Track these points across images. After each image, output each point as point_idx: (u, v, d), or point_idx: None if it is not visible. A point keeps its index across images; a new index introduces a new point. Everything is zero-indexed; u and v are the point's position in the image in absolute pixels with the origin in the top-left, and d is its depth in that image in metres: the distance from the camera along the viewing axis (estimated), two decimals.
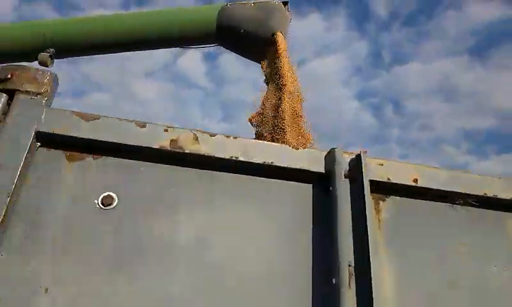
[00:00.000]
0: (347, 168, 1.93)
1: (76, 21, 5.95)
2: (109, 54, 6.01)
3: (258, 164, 1.86)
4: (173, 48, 5.78)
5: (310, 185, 1.93)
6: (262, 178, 1.89)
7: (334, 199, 1.82)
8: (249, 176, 1.88)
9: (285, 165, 1.89)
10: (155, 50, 6.01)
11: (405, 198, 1.99)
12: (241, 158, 1.85)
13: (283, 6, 5.48)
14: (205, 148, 1.82)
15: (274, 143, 2.01)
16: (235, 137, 1.95)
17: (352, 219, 1.80)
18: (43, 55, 5.47)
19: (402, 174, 1.97)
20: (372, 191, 1.85)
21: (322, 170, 1.92)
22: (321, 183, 1.92)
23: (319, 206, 1.88)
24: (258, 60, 5.20)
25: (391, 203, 1.99)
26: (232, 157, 1.84)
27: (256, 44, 5.03)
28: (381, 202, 2.00)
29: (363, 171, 1.87)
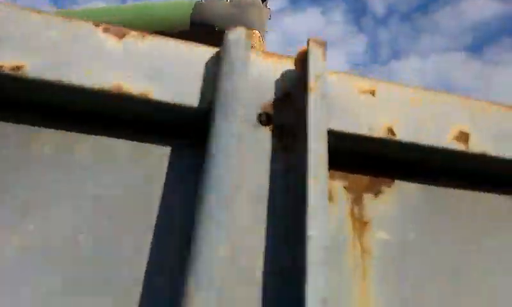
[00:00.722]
0: (273, 96, 0.58)
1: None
2: None
3: None
4: None
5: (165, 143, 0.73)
6: None
7: (211, 174, 0.49)
8: None
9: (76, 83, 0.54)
10: None
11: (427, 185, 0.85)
12: None
13: (260, 2, 4.87)
14: None
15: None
16: None
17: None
18: None
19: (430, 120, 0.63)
20: (334, 164, 0.74)
21: (193, 102, 0.56)
22: (190, 138, 0.69)
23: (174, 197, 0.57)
24: None
25: (396, 198, 0.67)
26: None
27: None
28: (366, 197, 0.80)
29: (312, 105, 0.52)
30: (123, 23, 5.20)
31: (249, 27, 4.78)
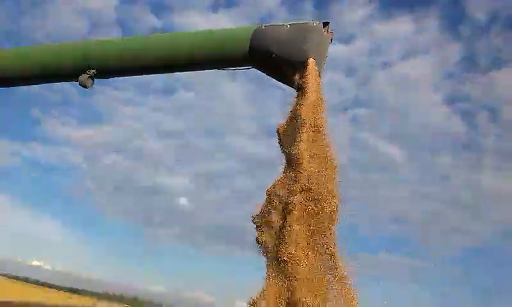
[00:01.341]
0: None
1: (114, 42, 6.28)
2: None
3: None
4: None
5: None
6: None
7: None
8: None
9: None
10: None
11: None
12: None
13: (322, 27, 4.97)
14: None
15: None
16: None
17: None
18: (83, 77, 5.89)
19: None
20: None
21: None
22: None
23: None
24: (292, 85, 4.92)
25: None
26: None
27: (288, 68, 4.78)
28: None
29: None
30: (178, 51, 5.42)
31: (307, 53, 4.63)
